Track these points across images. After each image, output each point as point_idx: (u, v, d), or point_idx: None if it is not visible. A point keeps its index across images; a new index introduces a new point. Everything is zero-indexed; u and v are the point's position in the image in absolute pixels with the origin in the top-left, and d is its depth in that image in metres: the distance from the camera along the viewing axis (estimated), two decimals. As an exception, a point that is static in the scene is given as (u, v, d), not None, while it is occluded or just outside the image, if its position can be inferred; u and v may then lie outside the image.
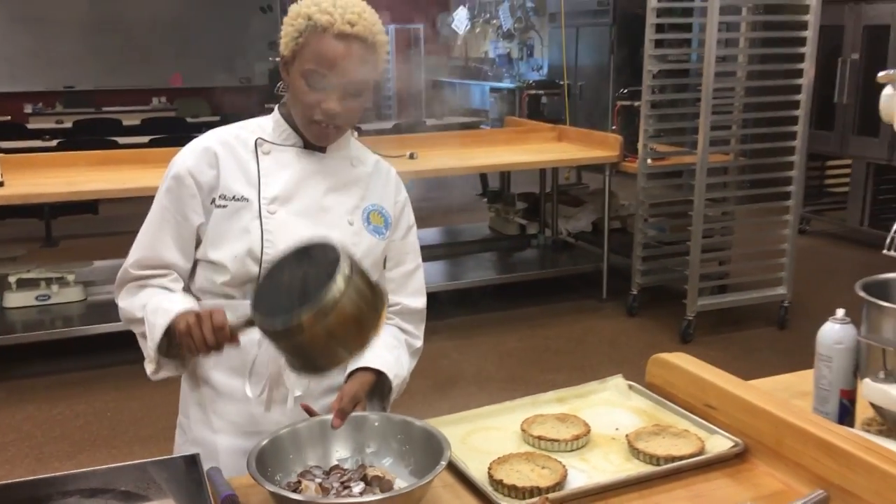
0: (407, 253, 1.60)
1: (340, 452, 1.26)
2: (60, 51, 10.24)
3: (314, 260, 1.18)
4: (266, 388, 1.46)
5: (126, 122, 7.87)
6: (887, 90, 1.21)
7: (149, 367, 1.40)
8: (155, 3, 10.66)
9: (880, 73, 1.18)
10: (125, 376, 3.79)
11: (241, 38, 11.06)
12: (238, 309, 1.35)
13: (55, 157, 4.55)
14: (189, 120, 8.28)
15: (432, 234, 6.11)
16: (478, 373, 3.93)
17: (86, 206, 5.99)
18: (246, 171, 1.46)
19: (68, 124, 7.87)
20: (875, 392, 1.25)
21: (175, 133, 7.04)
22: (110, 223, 6.53)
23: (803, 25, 4.10)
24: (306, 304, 1.08)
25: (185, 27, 10.79)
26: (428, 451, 1.22)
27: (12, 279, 4.14)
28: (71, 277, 4.25)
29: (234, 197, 1.45)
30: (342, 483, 1.19)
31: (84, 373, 3.94)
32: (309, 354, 1.14)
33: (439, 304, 4.69)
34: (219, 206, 1.45)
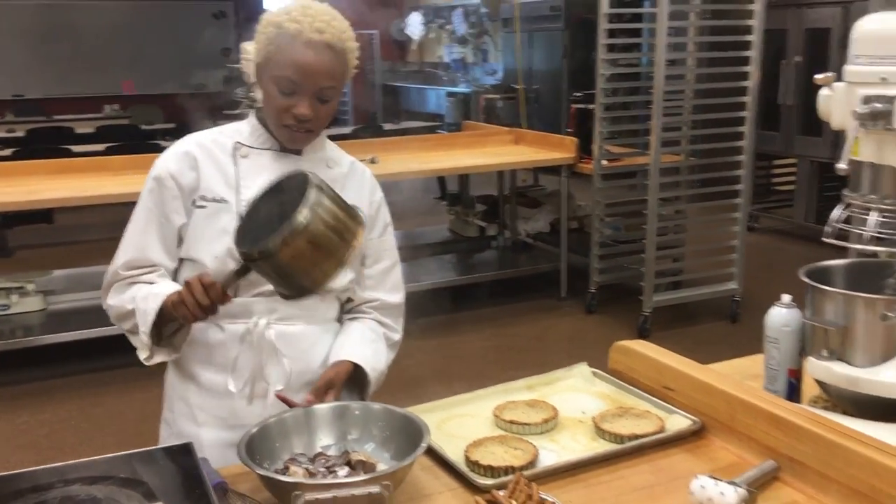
0: (384, 250, 1.66)
1: (324, 440, 1.32)
2: (8, 59, 10.07)
3: (288, 191, 1.27)
4: (248, 383, 1.51)
5: (79, 130, 7.80)
6: (824, 91, 1.32)
7: (142, 354, 1.45)
8: (105, 9, 10.54)
9: (817, 76, 1.29)
10: (88, 384, 3.79)
11: (194, 45, 10.99)
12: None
13: (12, 166, 4.51)
14: (144, 127, 8.22)
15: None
16: (443, 371, 4.00)
17: (41, 216, 5.92)
18: (225, 174, 1.52)
19: (20, 133, 7.75)
20: (819, 369, 1.36)
21: (130, 140, 6.99)
22: (66, 232, 6.47)
23: (748, 30, 4.26)
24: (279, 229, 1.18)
25: (136, 34, 10.68)
26: (408, 437, 1.28)
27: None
28: (31, 287, 4.22)
29: (213, 198, 1.51)
30: (327, 468, 1.26)
31: (47, 382, 3.92)
32: (291, 276, 1.24)
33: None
34: (199, 207, 1.50)
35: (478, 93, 10.92)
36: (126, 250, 1.53)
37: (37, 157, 4.99)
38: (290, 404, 1.43)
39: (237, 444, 1.21)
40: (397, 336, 1.72)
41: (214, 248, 1.49)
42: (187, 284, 1.34)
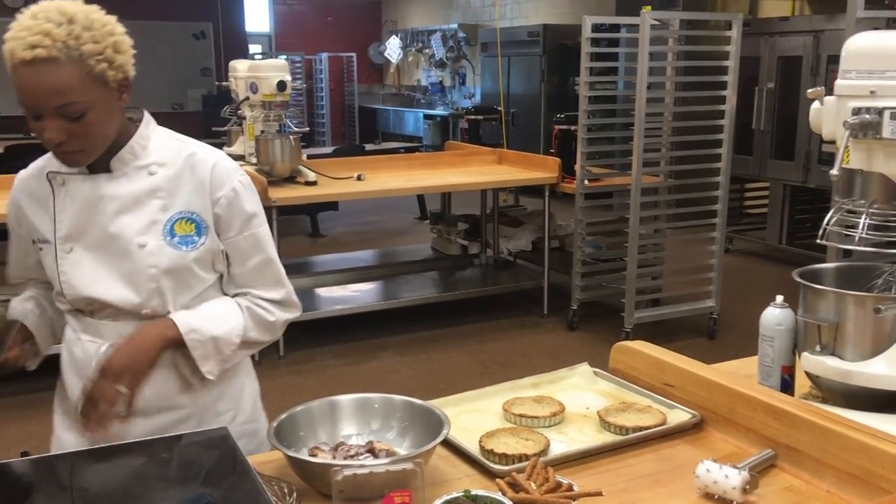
0: (250, 246, 1.50)
1: (347, 430, 1.38)
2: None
3: None
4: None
5: (59, 147, 7.75)
6: (815, 104, 1.42)
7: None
8: (84, 28, 10.53)
9: (809, 90, 1.39)
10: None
11: (173, 65, 11.02)
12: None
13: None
14: (124, 145, 8.19)
15: (376, 256, 6.24)
16: (428, 386, 4.05)
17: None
18: (47, 209, 1.46)
19: (0, 150, 7.69)
20: (813, 363, 1.45)
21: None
22: None
23: (725, 55, 4.42)
24: None
25: (115, 52, 10.67)
26: (427, 427, 1.35)
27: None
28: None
29: (39, 239, 1.48)
30: (349, 456, 1.31)
31: (35, 394, 3.89)
32: None
33: (387, 322, 4.87)
34: (37, 247, 1.50)
35: (455, 115, 11.07)
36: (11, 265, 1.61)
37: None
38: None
39: (266, 431, 1.26)
40: (272, 318, 1.52)
41: (53, 290, 1.50)
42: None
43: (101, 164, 1.42)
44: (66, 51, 1.28)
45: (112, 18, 1.38)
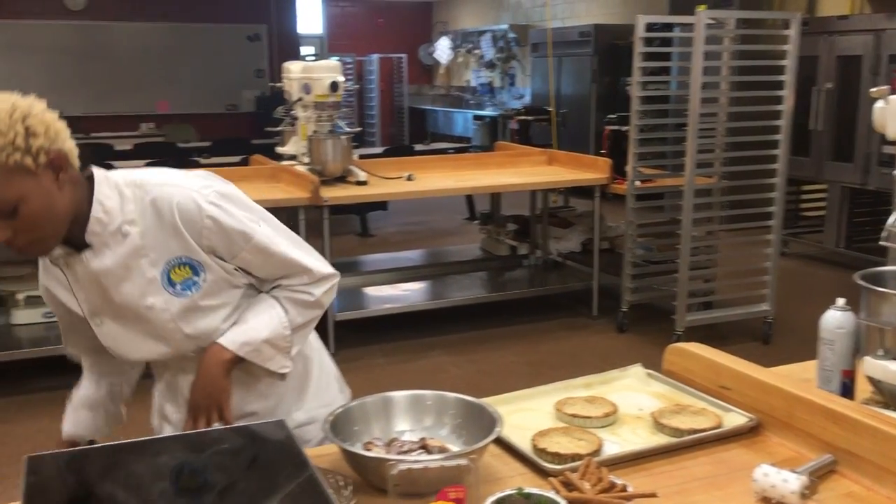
0: (259, 254, 1.48)
1: (400, 426, 1.39)
2: (49, 78, 10.33)
3: None
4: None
5: (118, 147, 7.96)
6: (879, 103, 1.39)
7: None
8: (141, 32, 10.81)
9: (873, 89, 1.36)
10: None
11: (228, 66, 11.23)
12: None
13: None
14: (180, 145, 8.39)
15: (425, 256, 6.27)
16: (476, 385, 4.06)
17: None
18: (69, 288, 1.49)
19: (60, 149, 7.93)
20: (875, 368, 1.42)
21: (167, 157, 7.15)
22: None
23: (782, 55, 4.33)
24: None
25: (172, 55, 10.94)
26: (479, 425, 1.35)
27: (20, 297, 4.22)
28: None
29: (79, 315, 1.52)
30: (402, 452, 1.33)
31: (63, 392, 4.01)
32: None
33: (435, 321, 4.88)
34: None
35: (505, 116, 11.05)
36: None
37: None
38: None
39: (322, 424, 1.28)
40: (311, 297, 1.53)
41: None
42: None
43: (78, 241, 1.39)
44: None
45: (24, 102, 1.29)
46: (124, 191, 1.41)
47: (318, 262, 1.55)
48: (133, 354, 1.53)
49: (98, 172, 1.42)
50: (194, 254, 1.42)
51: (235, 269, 1.48)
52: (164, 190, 1.41)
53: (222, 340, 1.46)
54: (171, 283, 1.43)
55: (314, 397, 1.67)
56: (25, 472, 1.09)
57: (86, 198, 1.38)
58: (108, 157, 7.05)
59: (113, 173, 1.45)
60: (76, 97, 10.45)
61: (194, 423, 1.44)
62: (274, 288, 1.55)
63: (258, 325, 1.48)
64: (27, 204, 1.26)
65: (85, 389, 1.68)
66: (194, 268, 1.43)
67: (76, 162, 1.36)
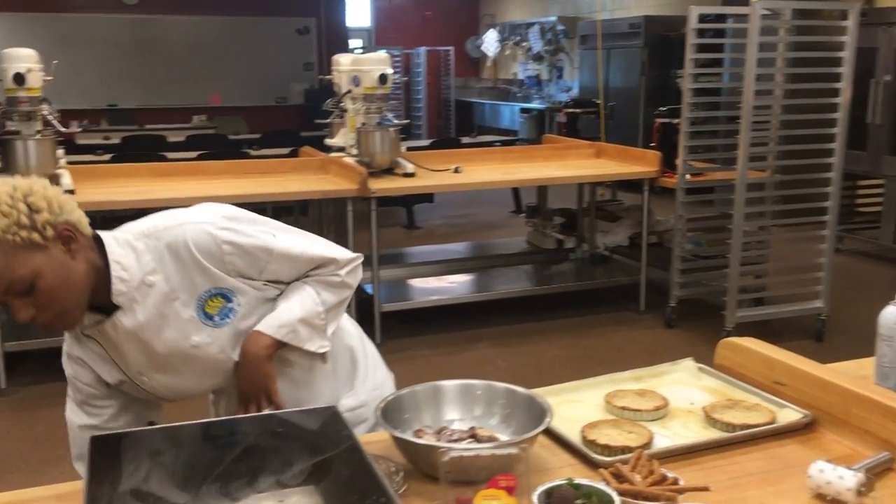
0: (282, 262, 1.50)
1: (450, 415, 1.40)
2: (103, 71, 10.58)
3: None
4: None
5: (171, 139, 8.12)
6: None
7: None
8: (194, 25, 11.00)
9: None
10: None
11: (277, 60, 11.36)
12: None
13: (117, 167, 4.77)
14: (230, 137, 8.52)
15: (471, 248, 6.27)
16: (521, 378, 4.03)
17: (134, 218, 6.20)
18: (105, 359, 1.48)
19: (116, 140, 8.12)
20: (936, 365, 1.38)
21: (219, 149, 7.27)
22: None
23: (840, 46, 4.23)
24: None
25: (223, 49, 11.11)
26: (529, 415, 1.36)
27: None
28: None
29: (116, 382, 1.51)
30: (453, 440, 1.34)
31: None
32: None
33: (481, 314, 4.89)
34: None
35: (552, 109, 10.98)
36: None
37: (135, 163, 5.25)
38: None
39: (373, 412, 1.30)
40: (337, 278, 1.55)
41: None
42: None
43: (106, 305, 1.39)
44: None
45: (24, 182, 1.31)
46: (136, 244, 1.41)
47: (340, 251, 1.58)
48: (192, 394, 1.57)
49: (104, 235, 1.41)
50: (222, 282, 1.43)
51: (265, 284, 1.49)
52: (175, 232, 1.41)
53: (260, 327, 1.47)
54: (209, 317, 1.44)
55: (363, 382, 1.70)
56: (90, 452, 1.12)
57: (101, 262, 1.38)
58: (161, 149, 7.20)
59: (117, 232, 1.45)
60: (131, 90, 10.69)
61: (246, 413, 1.47)
62: (300, 278, 1.57)
63: (291, 307, 1.49)
64: (43, 279, 1.27)
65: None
66: (226, 296, 1.44)
67: (87, 230, 1.37)
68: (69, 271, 1.31)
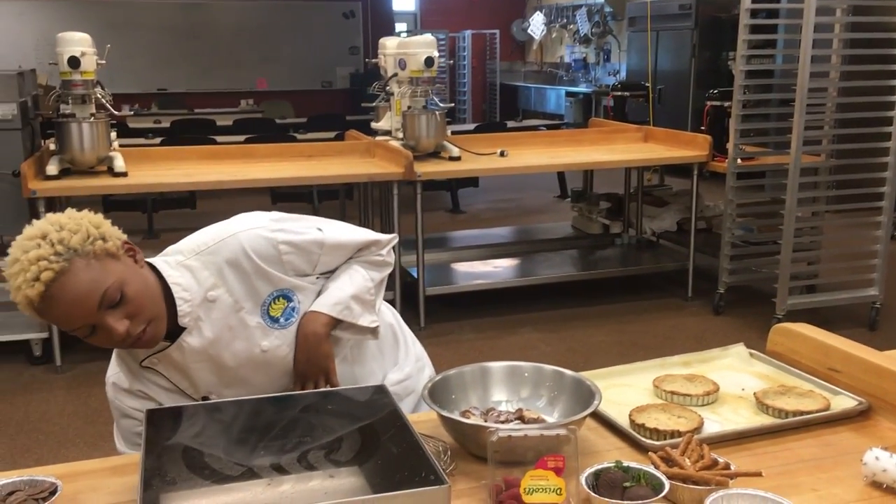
0: (333, 252, 1.53)
1: (497, 396, 1.40)
2: (153, 55, 10.76)
3: None
4: None
5: (219, 123, 8.23)
6: None
7: None
8: (241, 10, 11.10)
9: None
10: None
11: (323, 44, 11.42)
12: None
13: (168, 150, 4.85)
14: (277, 121, 8.60)
15: (515, 233, 6.25)
16: (567, 362, 3.99)
17: (184, 201, 6.32)
18: (168, 388, 1.46)
19: (166, 124, 8.26)
20: None
21: (266, 132, 7.35)
22: (205, 218, 6.87)
23: (899, 26, 4.10)
24: None
25: (269, 33, 11.20)
26: (576, 398, 1.35)
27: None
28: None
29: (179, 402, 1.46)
30: (500, 422, 1.34)
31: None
32: None
33: (526, 298, 4.88)
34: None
35: (599, 93, 10.86)
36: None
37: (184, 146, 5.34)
38: None
39: (421, 392, 1.31)
40: (379, 257, 1.59)
41: None
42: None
43: (169, 329, 1.38)
44: (62, 256, 1.23)
45: (73, 212, 1.32)
46: (190, 264, 1.41)
47: (378, 234, 1.61)
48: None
49: (156, 261, 1.42)
50: (282, 283, 1.45)
51: (318, 277, 1.52)
52: (230, 243, 1.42)
53: (315, 307, 1.48)
54: (275, 320, 1.45)
55: (405, 356, 1.74)
56: (145, 423, 1.15)
57: (161, 285, 1.38)
58: (210, 132, 7.30)
59: (164, 257, 1.44)
60: (180, 74, 10.86)
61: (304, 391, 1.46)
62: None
63: (342, 286, 1.51)
64: (129, 286, 1.28)
65: None
66: (287, 296, 1.46)
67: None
68: (146, 279, 1.33)
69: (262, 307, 1.43)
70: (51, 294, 1.22)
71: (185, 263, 1.41)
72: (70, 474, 1.23)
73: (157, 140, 6.67)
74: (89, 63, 3.85)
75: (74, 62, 3.80)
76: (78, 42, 3.85)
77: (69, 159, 3.97)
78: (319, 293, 1.52)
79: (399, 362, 1.72)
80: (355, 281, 1.52)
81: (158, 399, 1.45)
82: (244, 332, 1.43)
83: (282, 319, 1.45)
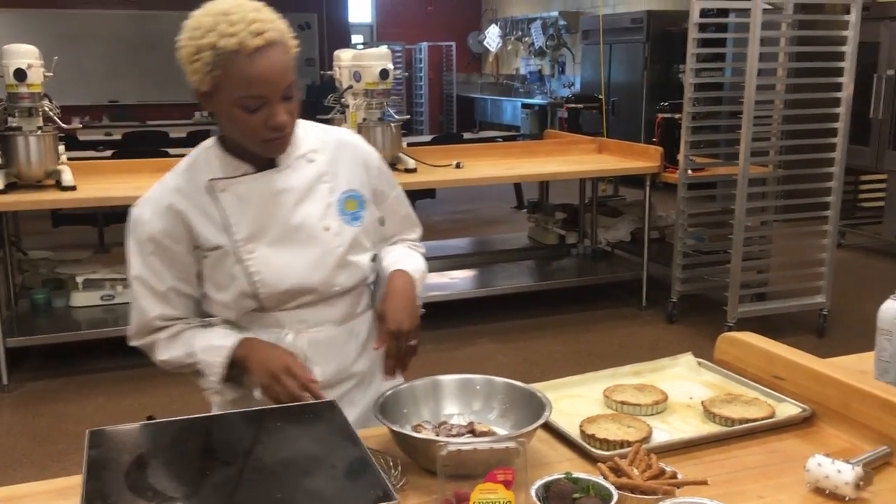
0: (399, 203, 1.68)
1: (449, 409, 1.41)
2: (104, 67, 10.59)
3: None
4: None
5: (172, 135, 8.12)
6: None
7: (214, 398, 1.52)
8: (196, 20, 10.97)
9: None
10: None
11: (279, 55, 11.34)
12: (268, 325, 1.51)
13: (119, 164, 4.77)
14: (232, 133, 8.50)
15: (472, 244, 6.27)
16: (523, 373, 4.05)
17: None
18: (211, 217, 1.45)
19: (117, 136, 8.13)
20: (935, 360, 1.38)
21: (221, 145, 7.27)
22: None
23: (842, 41, 4.22)
24: None
25: (225, 44, 11.08)
26: (528, 410, 1.36)
27: (79, 280, 4.35)
28: (133, 279, 4.44)
29: (210, 247, 1.46)
30: (451, 435, 1.34)
31: (147, 368, 4.11)
32: None
33: (483, 309, 4.89)
34: (203, 256, 1.48)
35: (554, 104, 10.97)
36: (152, 305, 1.49)
37: (136, 159, 5.25)
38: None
39: (372, 407, 1.30)
40: (422, 250, 1.74)
41: (229, 293, 1.48)
42: (281, 376, 1.37)
43: (265, 160, 1.46)
44: (279, 34, 1.35)
45: None
46: (310, 127, 1.55)
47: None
48: (285, 282, 1.47)
49: None
50: (365, 188, 1.56)
51: (375, 220, 1.60)
52: (348, 134, 1.60)
53: (404, 268, 1.55)
54: (344, 212, 1.52)
55: None
56: (87, 446, 1.13)
57: None
58: (163, 145, 7.20)
59: None
60: (132, 85, 10.70)
61: (396, 343, 1.43)
62: (393, 244, 1.68)
63: (414, 262, 1.61)
64: (297, 91, 1.40)
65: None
66: (360, 202, 1.55)
67: None
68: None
69: (342, 193, 1.52)
70: (264, 53, 1.31)
71: (301, 124, 1.50)
72: (13, 497, 1.20)
73: (108, 153, 6.56)
74: (36, 75, 3.78)
75: (21, 75, 3.73)
76: (24, 54, 3.78)
77: (15, 173, 3.89)
78: (368, 249, 1.57)
79: None
80: (420, 262, 1.63)
81: (196, 223, 1.44)
82: (318, 202, 1.49)
83: (349, 216, 1.52)
